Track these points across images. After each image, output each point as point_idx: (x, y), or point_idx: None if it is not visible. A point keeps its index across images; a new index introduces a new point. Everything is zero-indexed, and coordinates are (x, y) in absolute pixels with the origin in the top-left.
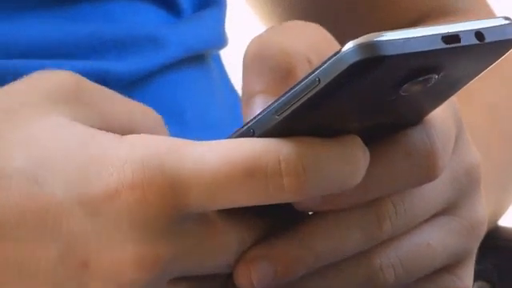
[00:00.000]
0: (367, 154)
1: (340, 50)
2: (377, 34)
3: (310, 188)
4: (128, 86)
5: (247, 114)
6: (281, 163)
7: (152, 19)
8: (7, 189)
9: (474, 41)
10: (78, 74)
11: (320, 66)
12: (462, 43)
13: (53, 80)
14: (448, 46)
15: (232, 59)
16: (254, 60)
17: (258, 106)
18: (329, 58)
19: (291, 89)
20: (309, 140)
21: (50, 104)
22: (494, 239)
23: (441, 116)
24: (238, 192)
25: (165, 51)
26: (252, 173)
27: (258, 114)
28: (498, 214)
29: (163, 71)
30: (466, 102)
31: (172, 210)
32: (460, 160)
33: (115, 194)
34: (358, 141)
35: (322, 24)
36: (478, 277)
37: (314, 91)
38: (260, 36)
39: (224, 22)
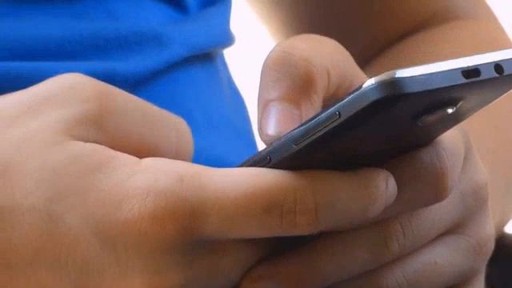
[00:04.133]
0: (391, 188)
1: (361, 86)
2: (397, 70)
3: (321, 225)
4: (134, 85)
5: (263, 121)
6: (296, 202)
7: (157, 16)
8: (20, 227)
9: (494, 74)
10: (103, 88)
11: (341, 100)
12: (482, 77)
13: (75, 101)
14: (468, 80)
15: (236, 60)
16: (275, 66)
17: (274, 113)
18: (350, 93)
19: (311, 119)
20: (324, 176)
21: (67, 129)
22: (499, 246)
23: (450, 136)
24: (253, 225)
25: (169, 50)
26: (269, 209)
27: (276, 142)
28: (504, 223)
29: (168, 70)
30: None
31: (188, 238)
32: (468, 179)
33: (134, 225)
34: (376, 176)
35: (325, 30)
36: (485, 285)
37: (333, 124)
38: (282, 43)
39: (229, 20)
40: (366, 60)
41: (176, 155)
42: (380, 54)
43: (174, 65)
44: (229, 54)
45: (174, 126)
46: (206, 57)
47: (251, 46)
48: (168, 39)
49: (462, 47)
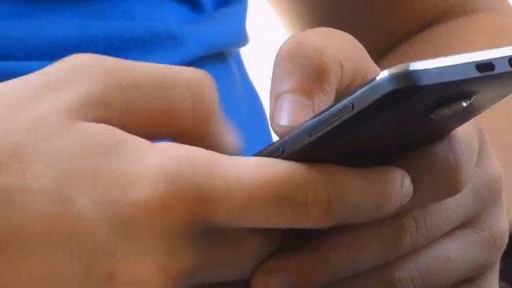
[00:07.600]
0: (406, 187)
1: (375, 78)
2: (411, 63)
3: (333, 218)
4: None
5: (275, 112)
6: (308, 194)
7: (172, 16)
8: (31, 208)
9: (508, 68)
10: (107, 64)
11: (354, 92)
12: (496, 71)
13: (79, 81)
14: (482, 74)
15: (252, 58)
16: (288, 57)
17: (286, 104)
18: (364, 85)
19: (324, 111)
20: (336, 170)
21: (75, 111)
22: None
23: (465, 130)
24: (264, 216)
25: (185, 49)
26: (281, 200)
27: (290, 133)
28: None
29: None
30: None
31: (199, 224)
32: (482, 173)
33: (145, 207)
34: (391, 175)
35: (342, 26)
36: (499, 278)
37: (346, 116)
38: (295, 35)
39: (245, 20)
40: (382, 53)
41: (194, 116)
42: (396, 46)
43: (188, 64)
44: (246, 53)
45: (185, 83)
46: (221, 56)
47: (269, 44)
48: (183, 39)
49: (479, 40)
